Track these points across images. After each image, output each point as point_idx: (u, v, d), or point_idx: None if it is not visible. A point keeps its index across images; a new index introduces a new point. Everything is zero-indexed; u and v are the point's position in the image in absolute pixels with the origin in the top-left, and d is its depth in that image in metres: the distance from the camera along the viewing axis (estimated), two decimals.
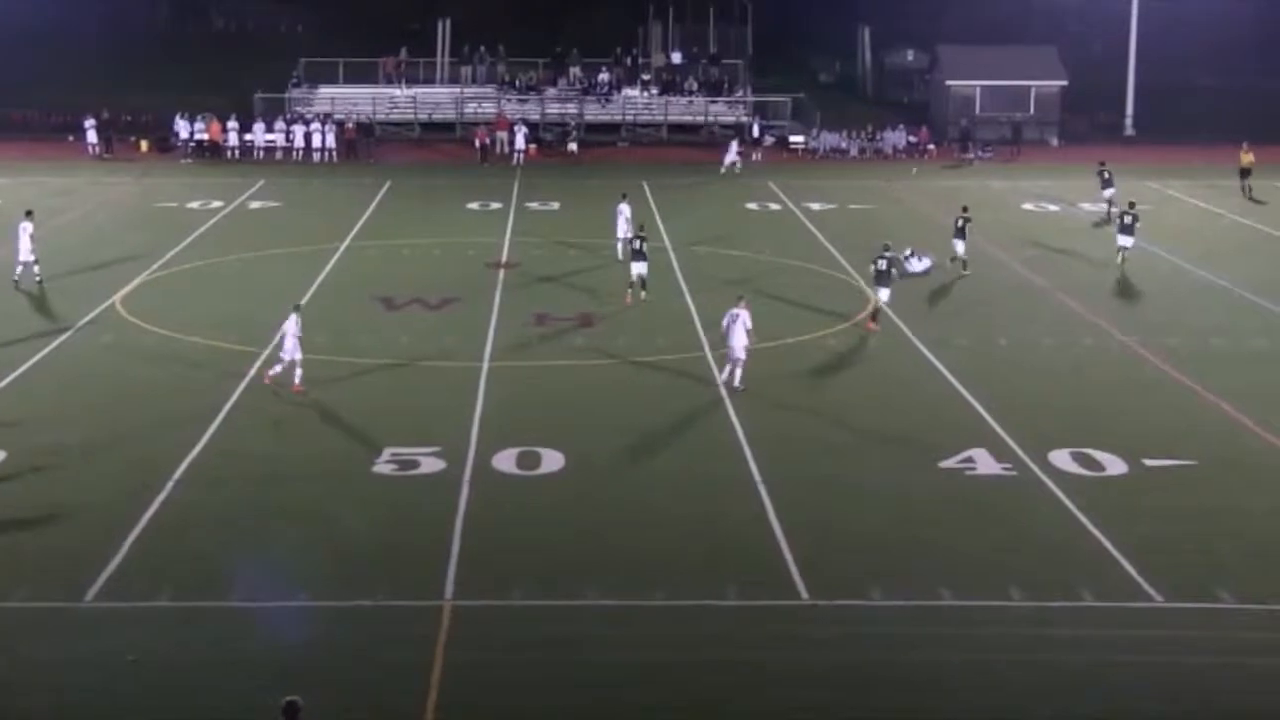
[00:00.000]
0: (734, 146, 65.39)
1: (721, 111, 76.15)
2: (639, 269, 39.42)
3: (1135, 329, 37.25)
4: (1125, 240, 44.24)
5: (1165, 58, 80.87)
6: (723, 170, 63.57)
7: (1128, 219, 44.34)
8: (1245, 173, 58.80)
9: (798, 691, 19.19)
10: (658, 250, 45.72)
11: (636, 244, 39.83)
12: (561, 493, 26.04)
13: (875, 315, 37.28)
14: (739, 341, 31.44)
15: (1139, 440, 28.61)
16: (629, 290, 39.48)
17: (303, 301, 34.08)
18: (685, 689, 19.24)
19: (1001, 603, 21.70)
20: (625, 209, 44.87)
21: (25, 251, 40.47)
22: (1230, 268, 44.62)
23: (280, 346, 31.75)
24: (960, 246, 43.19)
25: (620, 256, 43.44)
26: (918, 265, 43.09)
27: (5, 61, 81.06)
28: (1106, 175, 53.18)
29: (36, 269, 40.67)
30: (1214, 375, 33.10)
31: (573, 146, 71.33)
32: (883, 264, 37.09)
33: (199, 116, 69.79)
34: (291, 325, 31.31)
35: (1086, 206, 55.52)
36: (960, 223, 43.36)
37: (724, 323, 31.98)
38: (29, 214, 41.41)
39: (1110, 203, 52.07)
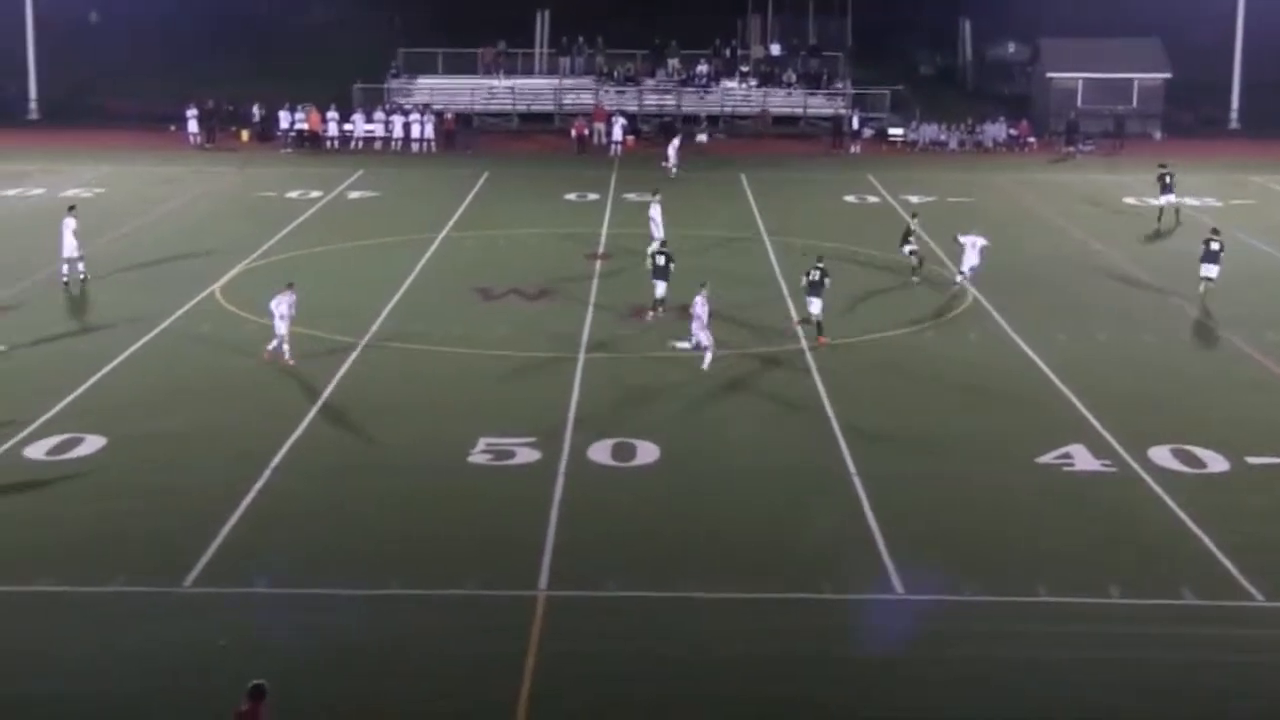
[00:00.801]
0: (674, 144, 62.33)
1: (820, 104, 75.76)
2: (661, 289, 36.68)
3: (1237, 325, 36.63)
4: (1209, 270, 39.12)
5: (1273, 49, 79.30)
6: (664, 164, 60.85)
7: (1214, 245, 39.27)
8: None
9: (891, 686, 19.08)
10: (752, 241, 45.61)
11: (661, 260, 36.95)
12: (656, 484, 26.04)
13: (820, 328, 34.79)
14: (698, 328, 32.00)
15: (1241, 437, 28.14)
16: (650, 312, 36.81)
17: (399, 292, 34.25)
18: (776, 682, 19.17)
19: (1099, 600, 21.44)
20: (656, 211, 43.64)
21: (70, 248, 39.60)
22: None
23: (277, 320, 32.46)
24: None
25: (648, 265, 38.32)
26: (972, 252, 40.24)
27: (109, 52, 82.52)
28: (1168, 180, 49.82)
29: (82, 265, 39.96)
30: None
31: (702, 138, 71.10)
32: (815, 274, 35.18)
33: (299, 107, 70.50)
34: (280, 302, 32.07)
35: (1190, 201, 54.58)
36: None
37: (693, 309, 32.40)
38: (71, 209, 40.94)
39: (1173, 209, 49.27)
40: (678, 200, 54.37)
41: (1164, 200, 49.57)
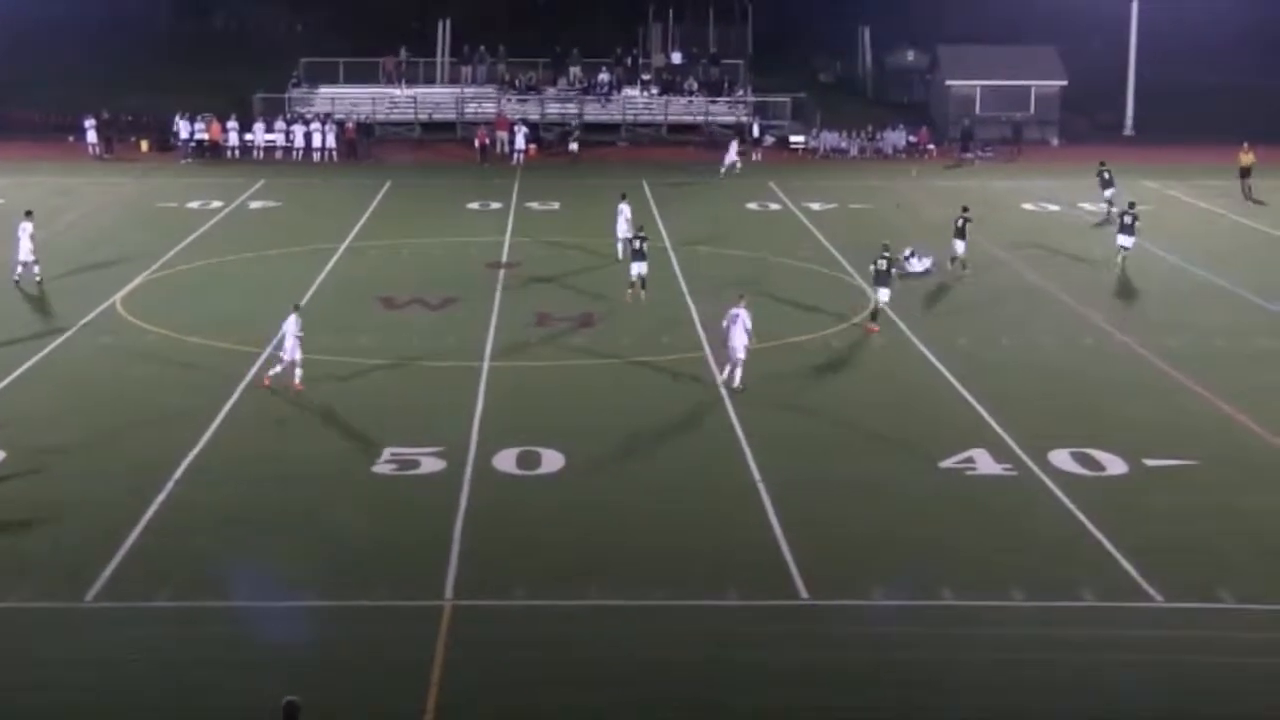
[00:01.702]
0: (734, 146, 65.00)
1: (721, 111, 76.12)
2: (639, 269, 39.44)
3: (1135, 329, 37.25)
4: (1125, 240, 43.91)
5: (1165, 57, 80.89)
6: (722, 171, 63.25)
7: (1128, 219, 44.03)
8: (1245, 172, 58.57)
9: (798, 691, 19.18)
10: (658, 250, 45.73)
11: (636, 244, 39.89)
12: (562, 493, 26.04)
13: (875, 316, 37.24)
14: (739, 341, 31.45)
15: (1140, 440, 28.61)
16: (629, 290, 39.45)
17: (303, 301, 34.04)
18: (685, 688, 19.24)
19: (1002, 602, 21.70)
20: (625, 209, 44.88)
21: (25, 252, 40.43)
22: (1230, 268, 44.61)
23: (280, 346, 31.76)
24: (960, 246, 43.19)
25: (621, 256, 43.45)
26: (918, 265, 43.12)
27: (5, 61, 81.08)
28: (1106, 175, 53.04)
29: (37, 269, 40.64)
30: (1215, 375, 33.10)
31: (574, 146, 71.24)
32: (882, 264, 37.05)
33: (199, 116, 69.77)
34: (291, 325, 31.32)
35: (1086, 206, 55.51)
36: (960, 222, 43.34)
37: (724, 323, 32.00)
38: (29, 214, 41.39)
39: (1110, 203, 51.98)
40: (581, 209, 54.57)
41: (1108, 194, 51.88)
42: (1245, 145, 58.92)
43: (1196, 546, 23.79)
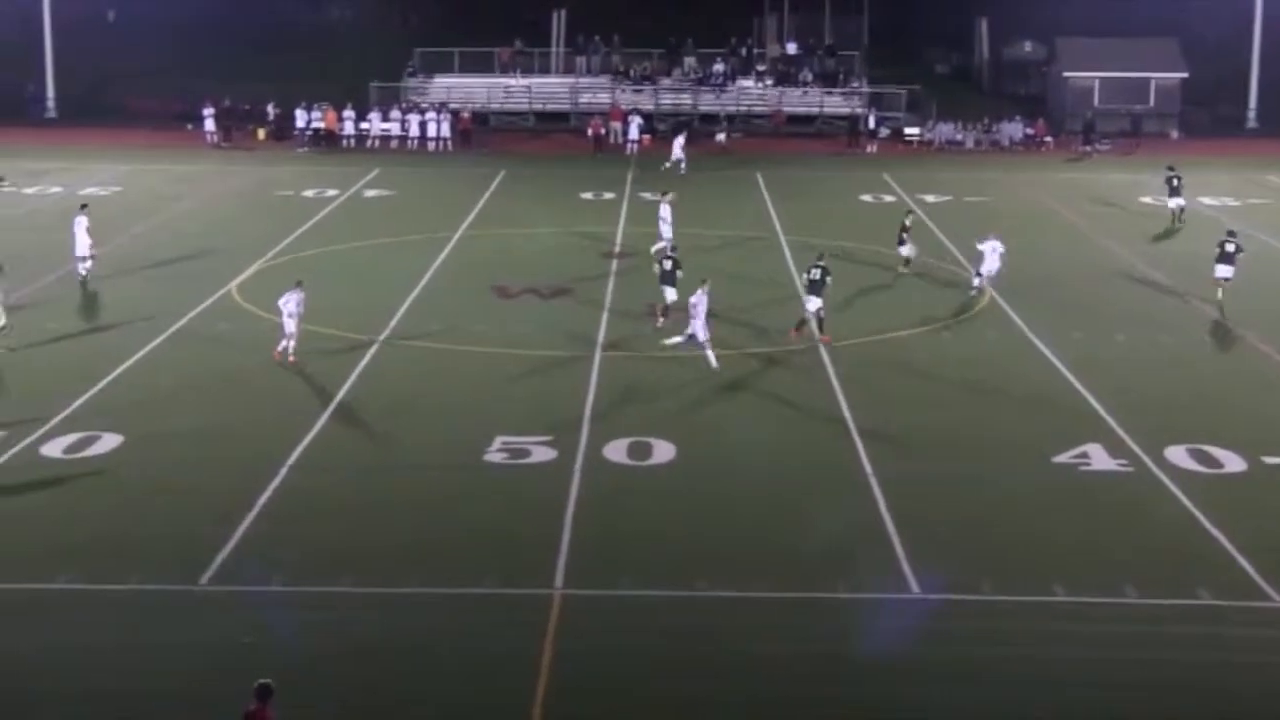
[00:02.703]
0: (679, 142, 62.29)
1: (837, 103, 75.68)
2: (671, 295, 35.56)
3: (1254, 324, 36.54)
4: (1225, 271, 38.52)
5: None
6: (666, 166, 60.82)
7: (1229, 247, 38.69)
8: None
9: (905, 686, 19.06)
10: (767, 241, 45.62)
11: (668, 265, 35.99)
12: (672, 483, 26.04)
13: (800, 325, 35.04)
14: (700, 324, 31.88)
15: (1258, 437, 28.07)
16: (659, 317, 35.91)
17: (416, 289, 34.17)
18: (792, 681, 19.17)
19: (1115, 600, 21.39)
20: (666, 211, 43.10)
21: (84, 247, 39.69)
22: None
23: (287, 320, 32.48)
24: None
25: (654, 271, 37.81)
26: (992, 257, 39.94)
27: (126, 51, 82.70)
28: (1175, 183, 49.67)
29: (85, 265, 39.82)
30: None
31: (720, 137, 71.08)
32: (815, 273, 35.05)
33: (316, 106, 70.60)
34: (289, 300, 32.04)
35: (1206, 200, 54.48)
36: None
37: (691, 300, 32.29)
38: (84, 207, 41.07)
39: (1177, 212, 49.38)
40: (692, 199, 54.46)
41: (1173, 204, 49.44)
42: None
43: None
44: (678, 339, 32.77)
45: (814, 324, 34.92)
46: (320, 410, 29.50)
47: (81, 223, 40.11)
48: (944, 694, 18.92)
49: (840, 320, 36.30)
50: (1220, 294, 38.64)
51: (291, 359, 32.24)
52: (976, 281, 39.81)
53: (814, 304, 34.87)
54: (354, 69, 77.50)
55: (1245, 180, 58.37)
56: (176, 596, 21.37)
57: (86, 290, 39.64)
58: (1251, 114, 76.26)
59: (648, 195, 55.63)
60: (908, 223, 42.57)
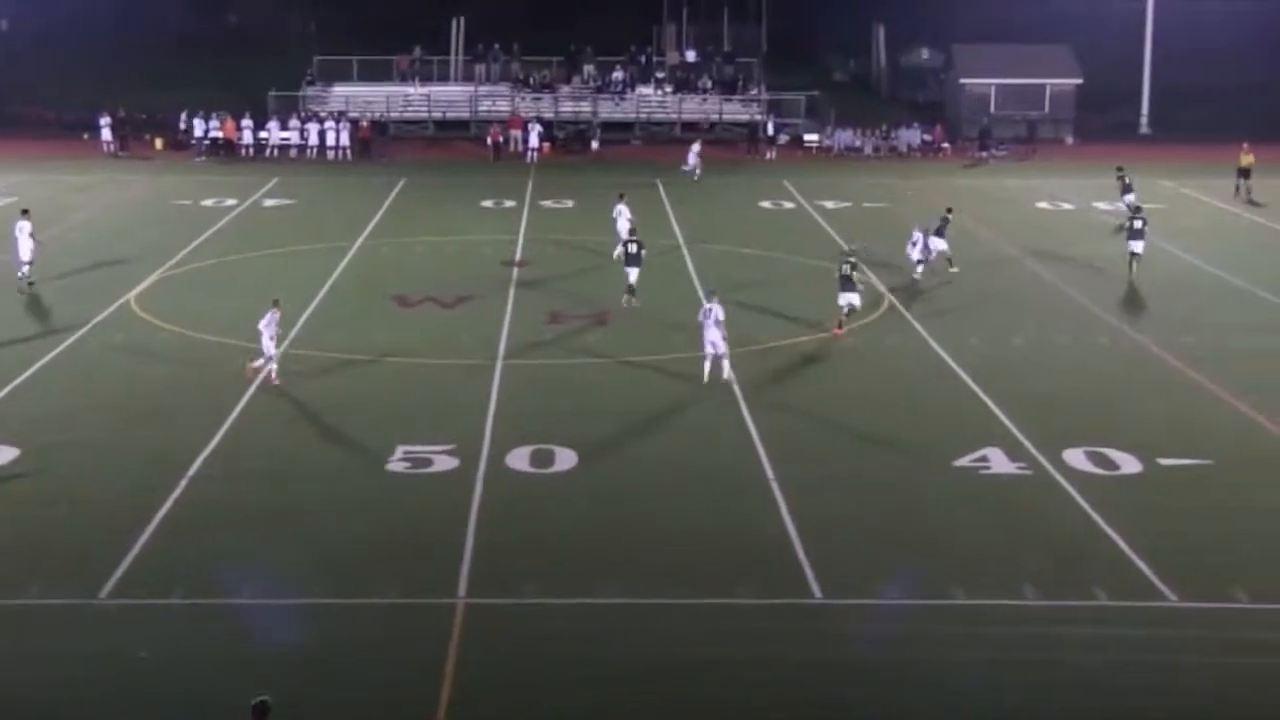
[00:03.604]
0: (694, 149, 63.43)
1: (736, 110, 76.07)
2: (634, 274, 38.57)
3: (1150, 328, 37.16)
4: (1136, 245, 42.63)
5: (1182, 56, 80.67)
6: (683, 169, 62.10)
7: (1137, 223, 42.85)
8: (1244, 173, 57.87)
9: (811, 689, 19.16)
10: (672, 249, 45.82)
11: (632, 248, 38.93)
12: (575, 491, 26.03)
13: (841, 322, 36.24)
14: (716, 335, 31.61)
15: (1154, 439, 28.53)
16: (625, 296, 38.66)
17: (317, 298, 33.89)
18: (697, 687, 19.21)
19: (1015, 602, 21.64)
20: (624, 209, 44.44)
21: (26, 251, 39.80)
22: (1246, 267, 44.49)
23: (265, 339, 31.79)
24: (940, 244, 42.79)
25: (616, 257, 41.82)
26: (920, 252, 42.47)
27: (21, 60, 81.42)
28: (1126, 180, 51.82)
29: (27, 269, 40.06)
30: (1229, 374, 32.99)
31: (594, 145, 71.28)
32: (845, 268, 36.26)
33: (213, 115, 69.88)
34: (267, 320, 31.40)
35: (1101, 205, 55.39)
36: (941, 222, 43.25)
37: (699, 318, 32.15)
38: (25, 213, 40.99)
39: (1135, 208, 50.40)
40: (590, 207, 54.60)
41: (1128, 200, 49.90)
42: (1245, 146, 58.30)
43: (1210, 546, 23.71)
44: (708, 362, 31.99)
45: (842, 315, 36.10)
46: (220, 421, 29.18)
47: (25, 228, 40.11)
48: (843, 697, 19.04)
49: (742, 327, 36.45)
50: (1134, 268, 42.07)
51: (274, 380, 31.48)
52: (920, 269, 42.02)
53: (846, 299, 36.01)
54: (252, 78, 76.81)
55: (1140, 185, 59.25)
56: (76, 610, 21.06)
57: (30, 294, 39.65)
58: (1144, 120, 77.62)
59: (548, 204, 55.72)
60: (949, 218, 43.80)
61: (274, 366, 31.58)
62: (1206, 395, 31.80)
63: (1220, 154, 67.17)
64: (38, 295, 39.79)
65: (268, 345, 31.47)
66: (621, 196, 45.96)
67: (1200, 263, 45.47)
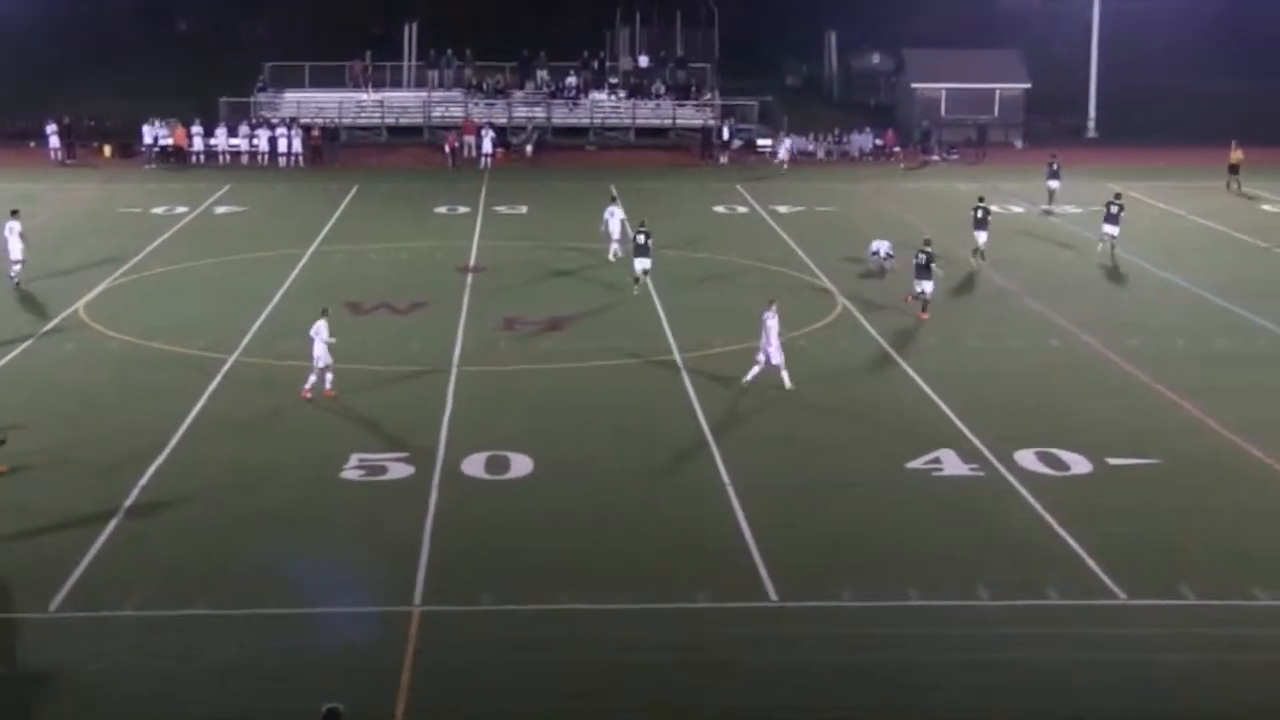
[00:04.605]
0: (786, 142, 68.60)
1: (689, 115, 76.20)
2: (643, 264, 41.05)
3: (1099, 330, 37.44)
4: (1111, 229, 45.34)
5: (1128, 61, 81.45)
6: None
7: (1114, 209, 45.48)
8: (1234, 169, 60.33)
9: (769, 692, 19.24)
10: (626, 253, 45.84)
11: (641, 239, 41.17)
12: (530, 497, 26.04)
13: (925, 306, 38.56)
14: (772, 345, 31.70)
15: (1103, 439, 28.79)
16: (635, 284, 40.93)
17: (328, 307, 33.20)
18: (655, 691, 19.28)
19: (969, 602, 21.80)
20: (617, 210, 45.67)
21: (17, 251, 40.81)
22: (1192, 269, 44.93)
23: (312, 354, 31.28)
24: (981, 237, 44.74)
25: (612, 258, 44.66)
26: (884, 258, 43.84)
27: None
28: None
29: (16, 269, 41.02)
30: (1177, 375, 33.32)
31: (528, 149, 71.25)
32: (922, 258, 38.45)
33: (163, 121, 69.49)
34: (319, 330, 31.00)
35: (1048, 208, 55.82)
36: (980, 213, 44.79)
37: (758, 327, 32.28)
38: (15, 213, 41.66)
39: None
40: (547, 212, 54.67)
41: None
42: (1234, 143, 60.68)
43: (1158, 544, 23.98)
44: (754, 370, 32.01)
45: (921, 302, 38.36)
46: (173, 430, 29.04)
47: (14, 228, 40.89)
48: (800, 699, 19.13)
49: (695, 330, 36.63)
50: (1110, 247, 45.33)
51: (328, 391, 31.13)
52: (888, 263, 43.58)
53: (922, 285, 38.32)
54: (203, 84, 76.45)
55: (1087, 188, 59.79)
56: (25, 624, 20.92)
57: (20, 293, 40.24)
58: (1091, 123, 78.23)
59: (502, 209, 55.70)
60: (989, 209, 45.47)
61: (330, 376, 31.21)
62: (1154, 396, 32.10)
63: (1165, 157, 67.98)
64: (16, 296, 39.99)
65: (321, 355, 30.99)
66: (614, 198, 46.73)
67: (1148, 265, 45.86)
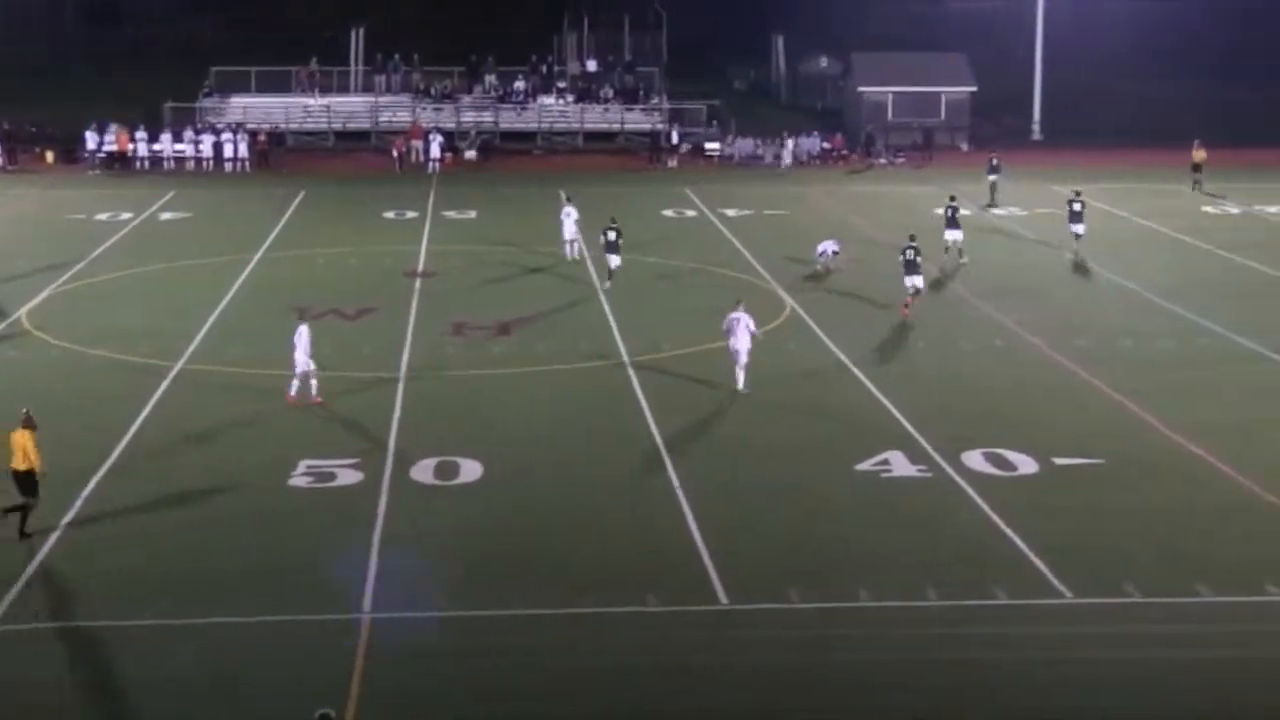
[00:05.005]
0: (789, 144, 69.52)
1: (637, 119, 76.27)
2: (614, 261, 42.15)
3: (1045, 331, 37.69)
4: (1078, 227, 46.97)
5: (1072, 64, 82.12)
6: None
7: (1076, 206, 47.07)
8: (1197, 168, 61.56)
9: (719, 696, 19.27)
10: (572, 259, 45.88)
11: (611, 235, 42.10)
12: (481, 502, 26.00)
13: (908, 303, 39.04)
14: (743, 345, 31.78)
15: (1050, 440, 28.99)
16: (608, 281, 42.01)
17: (305, 313, 33.00)
18: (607, 696, 19.27)
19: (918, 603, 21.91)
20: (573, 211, 45.80)
21: None
22: (1135, 270, 45.32)
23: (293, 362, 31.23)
24: (956, 236, 45.65)
25: (569, 258, 45.58)
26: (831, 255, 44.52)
27: None
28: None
29: None
30: (1121, 375, 33.60)
31: (470, 154, 71.15)
32: (910, 253, 39.12)
33: (107, 127, 68.96)
34: (299, 337, 30.95)
35: (995, 211, 56.19)
36: (951, 213, 45.69)
37: (724, 327, 32.33)
38: None
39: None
40: (497, 217, 54.59)
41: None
42: (1197, 142, 61.99)
43: (1104, 543, 24.15)
44: (740, 376, 32.12)
45: (909, 297, 38.96)
46: (119, 437, 28.84)
47: None
48: (751, 702, 19.16)
49: (645, 333, 36.67)
50: (1076, 246, 46.88)
51: (315, 398, 31.08)
52: (834, 261, 44.49)
53: (911, 281, 38.91)
54: (148, 89, 75.91)
55: (1032, 190, 60.25)
56: None
57: None
58: (1036, 126, 78.82)
59: (450, 214, 55.60)
60: (959, 208, 46.53)
61: (314, 383, 31.10)
62: (1099, 396, 32.35)
63: (1109, 159, 68.55)
64: None
65: (301, 362, 30.92)
66: (569, 199, 46.93)
67: (1093, 266, 46.23)
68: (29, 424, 24.44)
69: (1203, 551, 23.88)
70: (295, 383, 31.14)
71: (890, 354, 35.63)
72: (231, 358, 34.36)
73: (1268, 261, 46.81)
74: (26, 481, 24.11)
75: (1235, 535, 24.60)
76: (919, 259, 39.25)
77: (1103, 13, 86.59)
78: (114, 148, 68.31)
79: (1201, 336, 37.66)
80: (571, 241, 45.56)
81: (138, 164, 68.39)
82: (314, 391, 31.14)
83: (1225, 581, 22.54)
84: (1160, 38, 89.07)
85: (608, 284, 41.90)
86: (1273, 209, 57.42)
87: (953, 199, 46.99)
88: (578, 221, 45.66)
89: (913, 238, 40.07)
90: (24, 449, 24.07)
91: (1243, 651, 20.50)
